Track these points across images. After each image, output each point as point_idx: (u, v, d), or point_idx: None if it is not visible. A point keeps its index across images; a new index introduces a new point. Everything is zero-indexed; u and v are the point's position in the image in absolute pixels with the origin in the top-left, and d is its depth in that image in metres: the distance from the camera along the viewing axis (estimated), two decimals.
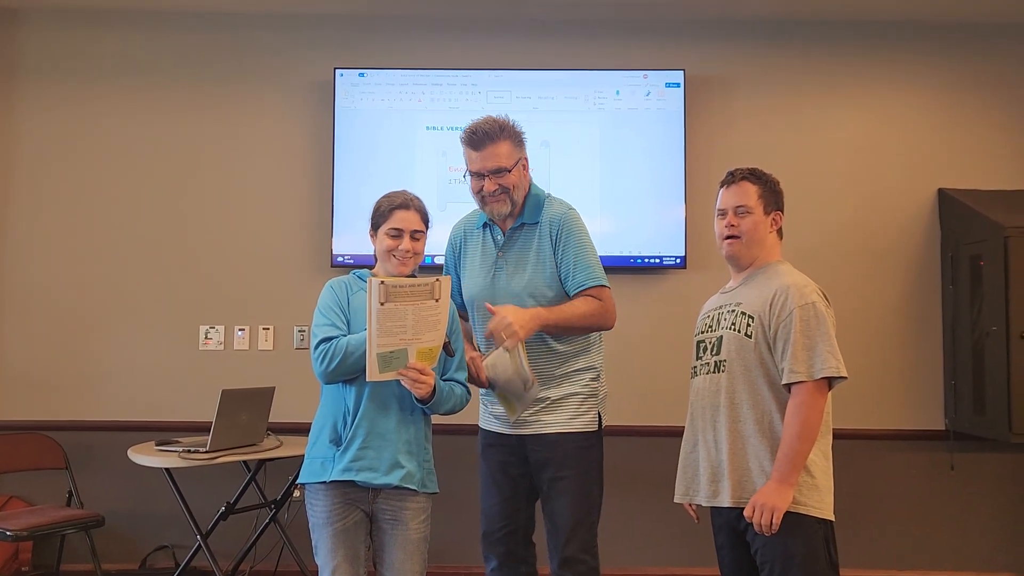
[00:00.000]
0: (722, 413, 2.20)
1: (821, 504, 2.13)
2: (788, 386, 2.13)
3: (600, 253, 4.01)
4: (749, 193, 2.28)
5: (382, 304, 2.10)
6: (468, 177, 2.48)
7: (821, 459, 2.16)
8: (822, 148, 4.24)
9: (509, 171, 2.44)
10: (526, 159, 2.53)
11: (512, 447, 2.49)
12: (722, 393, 2.21)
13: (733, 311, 2.25)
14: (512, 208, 2.48)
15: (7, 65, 4.21)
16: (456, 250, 2.64)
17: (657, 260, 4.10)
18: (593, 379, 2.53)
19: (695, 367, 2.34)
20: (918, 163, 4.22)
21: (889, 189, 4.21)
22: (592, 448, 2.50)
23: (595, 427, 2.50)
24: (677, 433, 3.99)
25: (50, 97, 4.20)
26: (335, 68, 4.13)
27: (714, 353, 2.25)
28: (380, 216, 2.34)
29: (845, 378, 2.13)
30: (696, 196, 4.10)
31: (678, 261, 4.08)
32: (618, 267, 4.09)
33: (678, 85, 4.12)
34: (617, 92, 4.13)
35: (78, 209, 4.17)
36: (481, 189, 2.45)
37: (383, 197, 2.38)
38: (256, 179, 4.20)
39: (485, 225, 2.57)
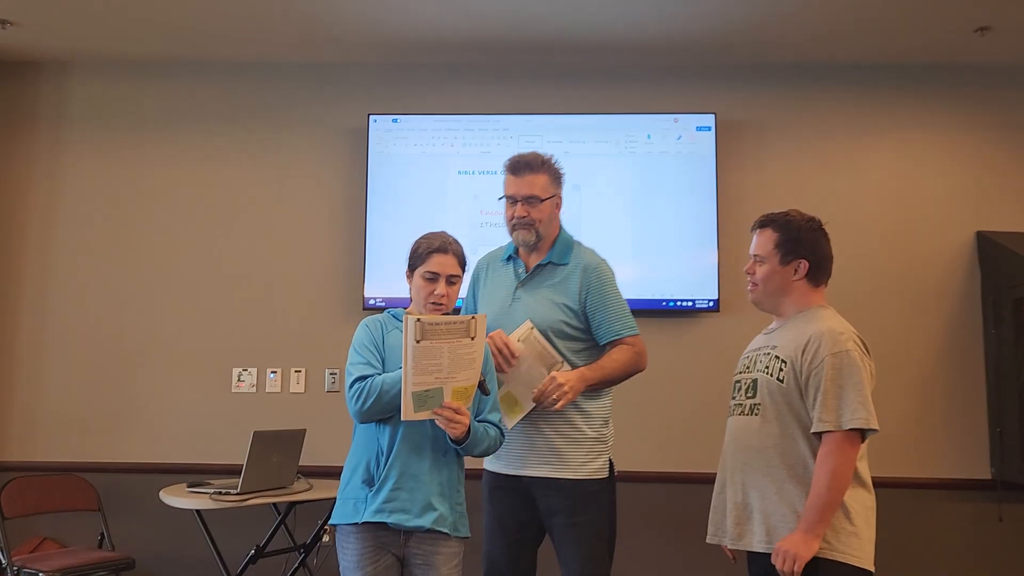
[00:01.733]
0: (753, 457, 2.16)
1: (860, 552, 2.07)
2: (819, 434, 2.09)
3: (632, 296, 4.01)
4: (765, 241, 2.26)
5: (418, 342, 2.08)
6: (503, 202, 2.54)
7: (862, 508, 2.10)
8: (856, 191, 4.20)
9: (541, 201, 2.49)
10: (560, 198, 2.58)
11: (520, 491, 2.46)
12: (754, 436, 2.17)
13: (768, 354, 2.22)
14: (537, 241, 2.51)
15: (56, 114, 4.35)
16: (477, 280, 2.68)
17: (690, 303, 4.06)
18: (602, 424, 2.49)
19: (731, 406, 2.31)
20: (955, 206, 4.17)
21: (926, 232, 4.16)
22: (603, 493, 2.46)
23: (606, 473, 2.47)
24: (708, 480, 3.95)
25: (94, 145, 4.32)
26: (369, 114, 4.21)
27: (748, 395, 2.22)
28: (418, 258, 2.33)
29: (876, 431, 2.07)
30: (728, 239, 4.08)
31: (711, 304, 4.05)
32: (650, 310, 4.06)
33: (709, 129, 4.13)
34: (648, 136, 4.15)
35: (116, 253, 4.26)
36: (512, 215, 2.51)
37: (422, 238, 2.37)
38: (289, 223, 4.26)
39: (510, 259, 2.61)
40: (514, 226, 2.52)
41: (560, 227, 2.59)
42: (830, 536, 2.04)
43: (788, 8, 3.65)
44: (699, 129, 4.13)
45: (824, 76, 4.25)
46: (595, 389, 2.45)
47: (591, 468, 2.43)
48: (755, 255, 2.28)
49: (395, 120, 4.21)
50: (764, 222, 2.29)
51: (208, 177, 4.30)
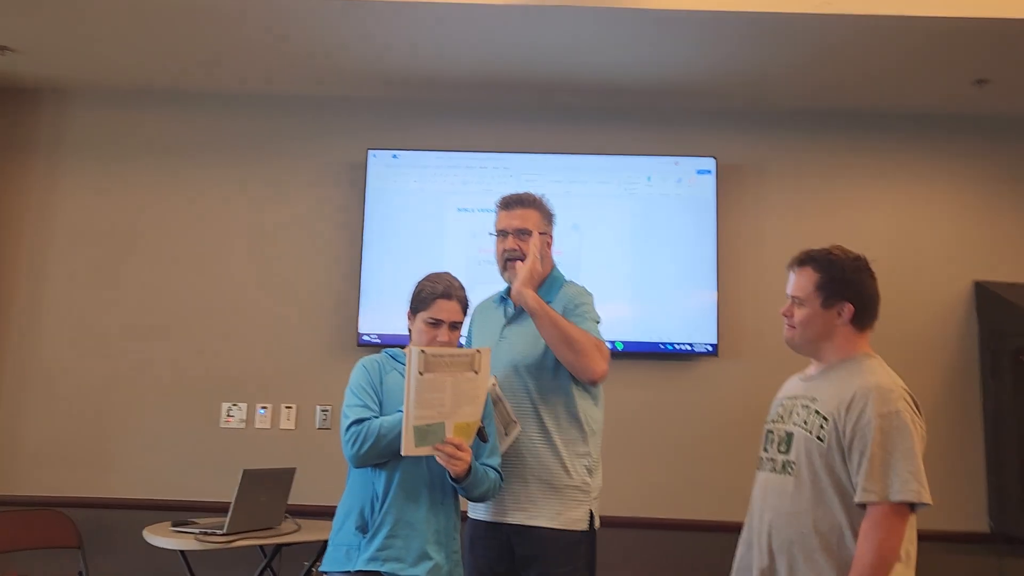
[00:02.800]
0: (783, 521, 1.96)
1: None
2: (863, 505, 1.89)
3: (630, 339, 4.03)
4: (805, 282, 2.06)
5: (421, 374, 2.04)
6: (494, 239, 2.53)
7: None
8: (854, 239, 4.09)
9: (531, 235, 2.47)
10: (551, 237, 2.58)
11: (500, 540, 2.38)
12: (786, 498, 1.97)
13: (807, 407, 2.01)
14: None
15: (53, 142, 4.30)
16: (472, 324, 2.65)
17: (688, 347, 4.03)
18: (586, 473, 2.40)
19: (762, 459, 2.11)
20: (953, 255, 4.17)
21: (924, 281, 4.15)
22: (581, 544, 2.36)
23: (585, 526, 2.37)
24: (705, 527, 3.89)
25: (90, 174, 4.27)
26: (368, 149, 4.19)
27: (782, 450, 2.03)
28: (421, 302, 2.28)
29: (928, 504, 1.88)
30: (728, 283, 4.07)
31: (710, 348, 4.01)
32: (648, 353, 4.03)
33: (709, 172, 4.13)
34: (648, 178, 4.15)
35: (107, 283, 4.19)
36: (504, 249, 2.49)
37: (426, 281, 2.31)
38: (284, 257, 4.22)
39: (503, 299, 2.59)
40: (505, 261, 2.49)
41: (553, 266, 2.57)
42: None
43: (789, 57, 3.68)
44: (699, 172, 4.14)
45: (825, 123, 4.27)
46: (537, 318, 2.33)
47: (569, 518, 2.34)
48: (793, 296, 2.08)
49: (395, 155, 4.20)
50: (804, 260, 2.10)
51: (203, 209, 4.26)
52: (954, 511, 3.95)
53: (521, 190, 2.59)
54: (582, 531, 2.36)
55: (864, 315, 2.08)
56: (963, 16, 3.27)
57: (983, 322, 4.08)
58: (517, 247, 2.47)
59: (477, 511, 2.45)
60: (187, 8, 3.45)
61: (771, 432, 2.10)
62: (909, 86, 3.94)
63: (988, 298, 4.05)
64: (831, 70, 3.81)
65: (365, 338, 4.05)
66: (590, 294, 2.53)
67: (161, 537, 3.22)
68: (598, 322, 2.48)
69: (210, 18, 3.53)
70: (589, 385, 2.43)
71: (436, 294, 2.25)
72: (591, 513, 2.39)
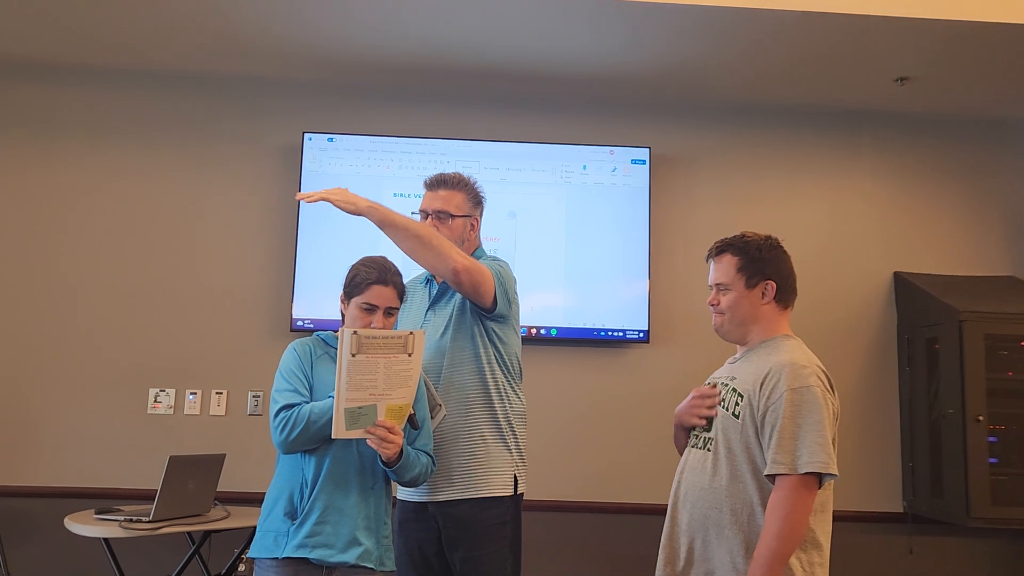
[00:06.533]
0: (700, 496, 2.01)
1: None
2: (772, 477, 1.92)
3: (563, 325, 4.08)
4: (726, 268, 2.11)
5: (353, 355, 2.02)
6: (416, 217, 2.46)
7: (819, 568, 1.93)
8: (781, 230, 4.17)
9: (452, 218, 2.45)
10: (477, 220, 2.54)
11: (428, 521, 2.39)
12: (704, 475, 2.01)
13: (727, 385, 2.07)
14: None
15: None
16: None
17: (620, 334, 4.10)
18: (509, 445, 2.40)
19: (691, 435, 2.15)
20: (875, 247, 4.33)
21: (846, 272, 4.30)
22: (506, 525, 2.37)
23: (511, 491, 2.37)
24: (635, 510, 3.97)
25: (9, 151, 4.11)
26: (304, 132, 4.13)
27: (706, 429, 2.07)
28: (355, 287, 2.23)
29: (835, 476, 1.91)
30: (660, 271, 4.15)
31: (641, 335, 4.09)
32: (581, 339, 4.08)
33: (643, 162, 4.19)
34: (584, 167, 4.19)
35: (27, 263, 4.05)
36: None
37: (361, 265, 2.26)
38: (215, 239, 4.13)
39: (428, 280, 2.56)
40: None
41: (478, 247, 2.54)
42: None
43: (721, 51, 3.74)
44: (634, 162, 4.20)
45: (753, 117, 4.38)
46: (379, 224, 2.26)
47: (494, 483, 2.34)
48: (718, 284, 2.13)
49: (330, 139, 4.14)
50: (722, 247, 2.14)
51: (130, 189, 4.14)
52: (871, 492, 4.13)
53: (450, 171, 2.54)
54: (507, 500, 2.36)
55: (785, 292, 2.13)
56: (886, 15, 3.38)
57: (901, 311, 4.25)
58: (435, 228, 2.41)
59: (405, 492, 2.44)
60: None
61: None
62: (834, 82, 4.06)
63: (906, 288, 4.22)
64: (760, 65, 3.90)
65: (299, 323, 4.00)
66: (505, 263, 2.49)
67: (83, 525, 3.13)
68: (497, 276, 2.39)
69: None
70: (485, 317, 2.39)
71: (371, 279, 2.21)
72: (515, 479, 2.39)
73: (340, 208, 2.25)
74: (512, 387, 2.48)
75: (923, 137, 4.42)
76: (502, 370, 2.45)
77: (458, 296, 2.43)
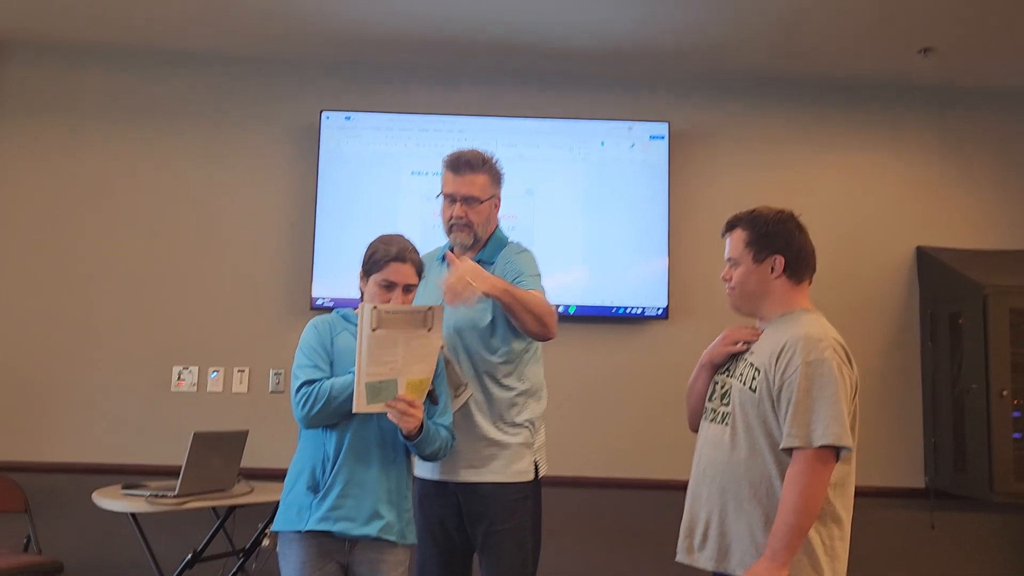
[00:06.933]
0: (719, 470, 2.02)
1: None
2: (789, 451, 1.92)
3: (582, 303, 4.07)
4: (736, 243, 2.12)
5: (373, 330, 2.04)
6: (440, 200, 2.47)
7: (828, 545, 1.93)
8: (803, 204, 4.14)
9: (480, 203, 2.45)
10: (499, 199, 2.54)
11: (448, 498, 2.42)
12: (723, 449, 2.02)
13: (745, 359, 2.07)
14: (474, 243, 2.48)
15: None
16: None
17: (639, 311, 4.08)
18: (530, 426, 2.44)
19: (707, 408, 2.15)
20: (897, 221, 4.28)
21: (868, 246, 4.26)
22: (527, 499, 2.41)
23: (531, 476, 2.43)
24: (655, 486, 3.98)
25: (30, 132, 4.15)
26: (321, 111, 4.13)
27: (724, 402, 2.07)
28: (374, 264, 2.24)
29: (849, 449, 1.91)
30: (679, 247, 4.13)
31: (660, 312, 4.08)
32: (600, 317, 4.08)
33: (662, 138, 4.16)
34: (602, 143, 4.17)
35: (51, 245, 4.09)
36: (451, 216, 2.45)
37: (380, 243, 2.27)
38: (237, 219, 4.16)
39: (443, 259, 2.55)
40: (451, 226, 2.47)
41: (497, 226, 2.55)
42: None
43: (742, 24, 3.70)
44: (652, 138, 4.16)
45: (775, 91, 4.32)
46: (504, 304, 2.27)
47: (515, 470, 2.39)
48: (729, 259, 2.13)
49: (348, 117, 4.14)
50: (733, 223, 2.14)
51: (152, 169, 4.17)
52: (893, 468, 4.11)
53: (468, 147, 2.52)
54: (528, 482, 2.41)
55: (797, 266, 2.10)
56: None
57: (924, 286, 4.21)
58: (464, 215, 2.43)
59: (424, 470, 2.47)
60: None
61: (716, 383, 2.15)
62: (856, 55, 4.00)
63: (929, 263, 4.18)
64: (780, 37, 3.85)
65: (319, 301, 4.03)
66: (530, 252, 2.51)
67: (111, 500, 3.20)
68: (539, 276, 2.45)
69: None
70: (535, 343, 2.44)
71: (390, 256, 2.22)
72: (535, 464, 2.44)
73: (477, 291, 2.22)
74: (535, 364, 2.49)
75: (946, 109, 4.35)
76: (524, 349, 2.46)
77: None
